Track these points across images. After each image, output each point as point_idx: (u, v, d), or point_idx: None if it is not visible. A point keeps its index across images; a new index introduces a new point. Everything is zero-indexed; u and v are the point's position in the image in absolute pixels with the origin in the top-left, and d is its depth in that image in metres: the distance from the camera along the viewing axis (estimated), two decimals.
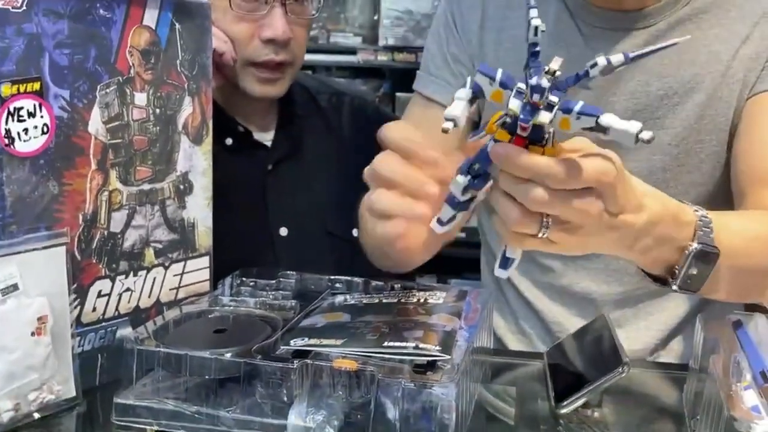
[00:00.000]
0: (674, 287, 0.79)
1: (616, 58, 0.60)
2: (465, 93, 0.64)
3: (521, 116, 0.61)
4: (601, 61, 0.60)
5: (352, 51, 2.65)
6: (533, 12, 0.60)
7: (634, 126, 0.60)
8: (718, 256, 0.77)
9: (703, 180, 1.03)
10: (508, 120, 0.64)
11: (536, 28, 0.60)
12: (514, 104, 0.61)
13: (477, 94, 0.64)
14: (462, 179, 0.68)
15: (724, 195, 1.03)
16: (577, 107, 0.61)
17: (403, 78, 2.41)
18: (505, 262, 0.71)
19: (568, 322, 1.10)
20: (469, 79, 0.65)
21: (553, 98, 0.60)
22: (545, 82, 0.60)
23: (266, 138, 1.22)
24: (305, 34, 1.17)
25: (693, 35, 1.00)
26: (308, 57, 1.30)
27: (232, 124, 1.19)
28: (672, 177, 1.02)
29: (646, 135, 0.59)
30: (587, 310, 1.09)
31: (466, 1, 1.11)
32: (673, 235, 0.76)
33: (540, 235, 0.66)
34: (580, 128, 0.62)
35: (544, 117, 0.61)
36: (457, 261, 1.87)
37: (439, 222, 0.72)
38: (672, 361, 1.10)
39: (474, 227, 1.25)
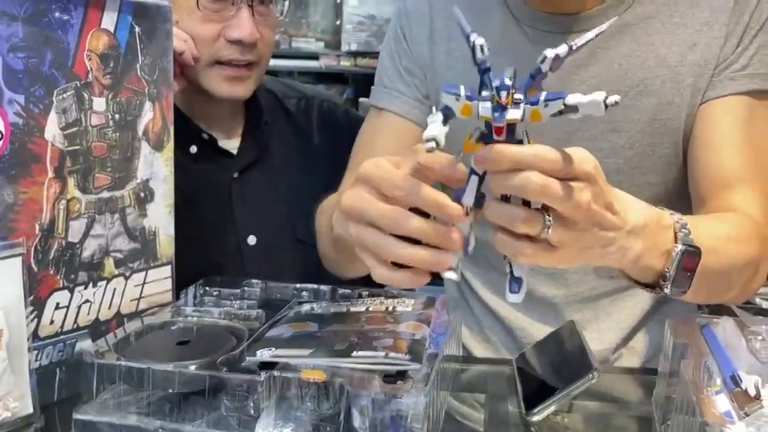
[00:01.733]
0: (666, 291, 0.79)
1: (561, 49, 0.63)
2: (437, 116, 0.66)
3: (494, 118, 0.63)
4: (550, 53, 0.63)
5: (314, 56, 2.64)
6: (473, 36, 0.63)
7: (599, 95, 0.62)
8: (700, 256, 0.78)
9: (657, 180, 1.05)
10: (482, 130, 0.66)
11: (481, 46, 0.63)
12: (485, 109, 0.63)
13: (447, 114, 0.66)
14: (468, 201, 0.68)
15: (677, 194, 1.05)
16: (543, 96, 0.64)
17: (365, 83, 2.39)
18: (515, 285, 0.72)
19: (532, 327, 1.10)
20: (433, 108, 0.68)
21: (518, 95, 0.63)
22: (508, 80, 0.63)
23: (232, 145, 1.20)
24: (271, 35, 1.16)
25: (641, 40, 1.02)
26: (270, 62, 1.29)
27: (196, 131, 1.17)
28: (626, 178, 1.03)
29: (612, 99, 0.62)
30: (549, 314, 1.10)
31: (413, 15, 1.13)
32: (659, 239, 0.77)
33: (544, 232, 0.67)
34: (550, 115, 0.64)
35: (514, 113, 0.63)
36: None
37: (452, 269, 0.70)
38: (634, 359, 1.12)
39: None
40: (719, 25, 1.01)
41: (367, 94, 1.24)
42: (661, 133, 1.03)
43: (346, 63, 2.58)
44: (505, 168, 0.64)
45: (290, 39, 2.65)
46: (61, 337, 0.82)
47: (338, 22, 2.63)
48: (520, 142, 0.65)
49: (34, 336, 0.79)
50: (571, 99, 0.63)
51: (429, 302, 0.88)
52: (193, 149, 1.16)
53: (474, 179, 0.68)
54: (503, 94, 0.62)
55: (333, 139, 1.28)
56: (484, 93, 0.64)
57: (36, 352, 0.79)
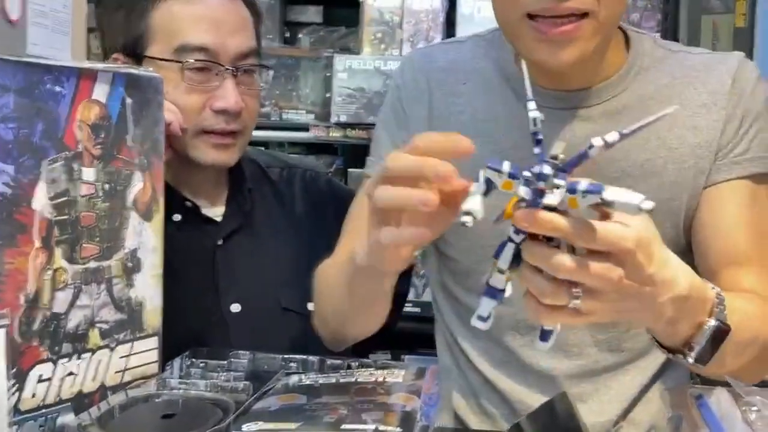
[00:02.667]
0: (690, 360, 0.81)
1: (611, 136, 0.65)
2: (478, 188, 0.68)
3: (531, 201, 0.65)
4: (597, 141, 0.65)
5: (304, 127, 2.67)
6: (531, 104, 0.66)
7: (635, 198, 0.64)
8: (728, 333, 0.80)
9: None
10: (523, 204, 0.67)
11: (534, 119, 0.66)
12: (524, 192, 0.66)
13: (489, 187, 0.68)
14: (503, 265, 0.70)
15: None
16: (581, 186, 0.65)
17: (355, 154, 2.42)
18: (545, 335, 0.74)
19: (531, 399, 1.09)
20: (481, 174, 0.68)
21: (559, 181, 0.65)
22: (547, 169, 0.65)
23: (216, 213, 1.21)
24: (255, 104, 1.18)
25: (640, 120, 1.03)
26: (261, 133, 1.31)
27: (180, 200, 1.17)
28: None
29: (646, 205, 0.63)
30: (549, 387, 1.08)
31: (412, 90, 1.14)
32: (697, 310, 0.79)
33: (570, 305, 0.68)
34: (587, 206, 0.66)
35: (551, 199, 0.65)
36: (411, 336, 1.85)
37: (480, 318, 0.72)
38: (634, 431, 1.10)
39: (427, 301, 1.24)
40: (717, 108, 1.03)
41: (356, 165, 1.25)
42: (663, 213, 1.04)
43: (335, 134, 2.60)
44: (539, 231, 0.66)
45: (281, 111, 2.68)
46: (43, 410, 0.80)
47: (328, 95, 2.67)
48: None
49: (15, 410, 0.77)
50: (609, 195, 0.64)
51: (420, 373, 0.87)
52: (177, 217, 1.16)
53: (510, 246, 0.69)
54: (541, 183, 0.65)
55: (315, 208, 1.28)
56: (526, 174, 0.66)
57: (16, 426, 0.77)
